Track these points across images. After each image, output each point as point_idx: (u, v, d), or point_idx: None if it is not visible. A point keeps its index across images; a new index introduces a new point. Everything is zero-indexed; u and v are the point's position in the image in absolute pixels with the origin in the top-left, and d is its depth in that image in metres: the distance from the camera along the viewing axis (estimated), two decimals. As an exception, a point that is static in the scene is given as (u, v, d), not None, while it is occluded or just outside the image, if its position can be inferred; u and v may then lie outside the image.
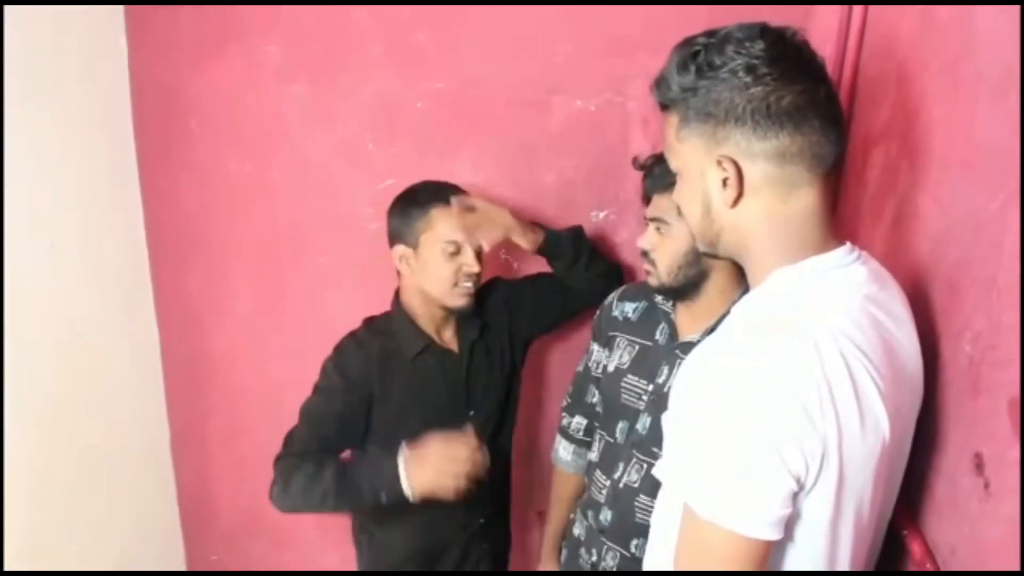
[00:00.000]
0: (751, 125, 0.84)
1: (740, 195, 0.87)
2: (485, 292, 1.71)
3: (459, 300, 1.54)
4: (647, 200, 1.40)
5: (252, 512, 2.28)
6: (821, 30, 1.52)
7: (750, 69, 0.83)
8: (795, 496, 0.80)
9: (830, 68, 1.49)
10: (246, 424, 2.20)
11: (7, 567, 1.68)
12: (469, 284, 1.53)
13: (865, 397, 0.81)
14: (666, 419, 0.91)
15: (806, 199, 0.87)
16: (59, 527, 1.90)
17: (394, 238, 1.57)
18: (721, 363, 0.83)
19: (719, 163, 0.86)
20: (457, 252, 1.52)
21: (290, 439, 1.59)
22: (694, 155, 0.89)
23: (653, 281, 1.39)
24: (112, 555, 2.07)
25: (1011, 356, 0.77)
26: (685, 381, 0.87)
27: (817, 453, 0.78)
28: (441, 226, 1.52)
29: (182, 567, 2.40)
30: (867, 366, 0.81)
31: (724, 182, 0.87)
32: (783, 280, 0.88)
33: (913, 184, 1.12)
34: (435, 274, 1.53)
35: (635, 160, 1.45)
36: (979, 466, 0.82)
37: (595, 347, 1.57)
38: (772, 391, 0.78)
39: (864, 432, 0.81)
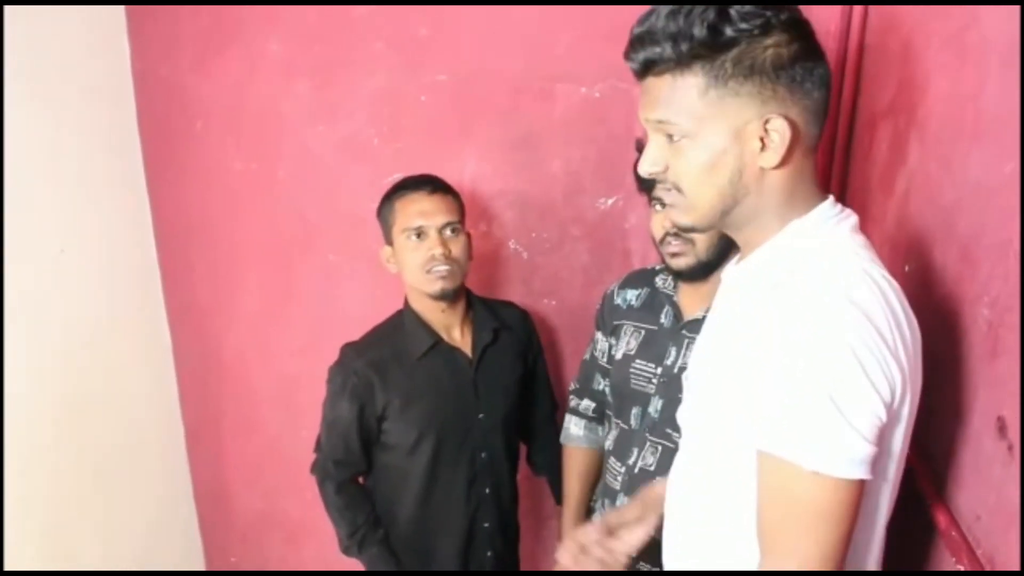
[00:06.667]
0: (797, 81, 0.82)
1: (788, 155, 0.84)
2: (504, 306, 1.74)
3: (434, 284, 1.52)
4: (649, 185, 1.37)
5: (268, 509, 2.28)
6: (825, 7, 1.51)
7: (788, 25, 0.82)
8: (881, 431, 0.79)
9: (834, 44, 1.49)
10: (259, 422, 2.21)
11: (8, 567, 1.69)
12: (443, 268, 1.51)
13: (913, 331, 0.82)
14: (707, 372, 0.92)
15: (813, 157, 0.89)
16: (77, 529, 1.91)
17: (384, 241, 1.60)
18: (788, 306, 0.80)
19: (766, 123, 0.82)
20: (420, 237, 1.51)
21: (319, 445, 1.66)
22: (727, 117, 0.83)
23: (685, 261, 1.35)
24: (133, 555, 2.08)
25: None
26: (738, 331, 0.87)
27: (898, 383, 0.78)
28: (401, 214, 1.53)
29: (201, 565, 2.41)
30: (904, 303, 0.83)
31: (763, 142, 0.83)
32: (805, 229, 0.88)
33: (923, 155, 1.12)
34: (407, 263, 1.54)
35: (639, 142, 1.41)
36: (1002, 429, 0.81)
37: (599, 336, 1.58)
38: (854, 325, 0.77)
39: (917, 365, 0.82)
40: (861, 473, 0.78)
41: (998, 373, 0.83)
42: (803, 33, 0.83)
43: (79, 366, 1.90)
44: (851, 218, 0.91)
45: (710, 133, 0.84)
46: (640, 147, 1.41)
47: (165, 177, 2.08)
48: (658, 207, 1.37)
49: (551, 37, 1.75)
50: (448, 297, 1.56)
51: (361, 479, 1.68)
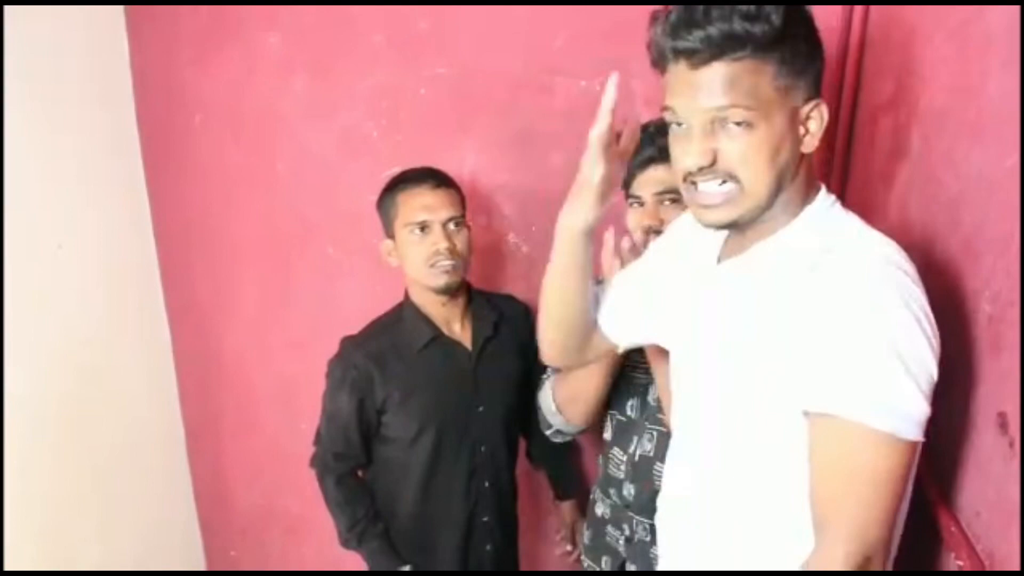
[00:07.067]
0: (822, 68, 0.86)
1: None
2: (504, 299, 1.73)
3: (438, 279, 1.52)
4: (629, 178, 1.34)
5: (268, 506, 2.28)
6: (825, 13, 1.50)
7: (808, 15, 0.85)
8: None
9: (835, 38, 1.48)
10: (259, 419, 2.21)
11: (8, 567, 1.69)
12: (447, 262, 1.50)
13: None
14: (716, 368, 0.92)
15: None
16: (77, 527, 1.91)
17: (384, 234, 1.59)
18: (843, 278, 0.82)
19: (812, 108, 0.85)
20: (424, 231, 1.51)
21: (319, 437, 1.65)
22: (789, 102, 0.84)
23: None
24: (132, 554, 2.09)
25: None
26: (764, 315, 0.87)
27: (939, 346, 0.80)
28: (405, 207, 1.52)
29: (201, 563, 2.41)
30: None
31: (807, 124, 0.85)
32: (819, 214, 0.90)
33: (925, 149, 1.12)
34: (410, 258, 1.53)
35: (646, 125, 1.31)
36: (1002, 425, 0.81)
37: None
38: (910, 291, 0.80)
39: None
40: (919, 434, 0.79)
41: (999, 369, 0.83)
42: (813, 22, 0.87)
43: (78, 364, 1.90)
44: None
45: (775, 119, 0.84)
46: (645, 128, 1.39)
47: (164, 173, 2.07)
48: (635, 205, 1.36)
49: (550, 30, 1.74)
50: (451, 291, 1.56)
51: (361, 472, 1.68)
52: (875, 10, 1.41)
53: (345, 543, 1.63)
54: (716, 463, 0.98)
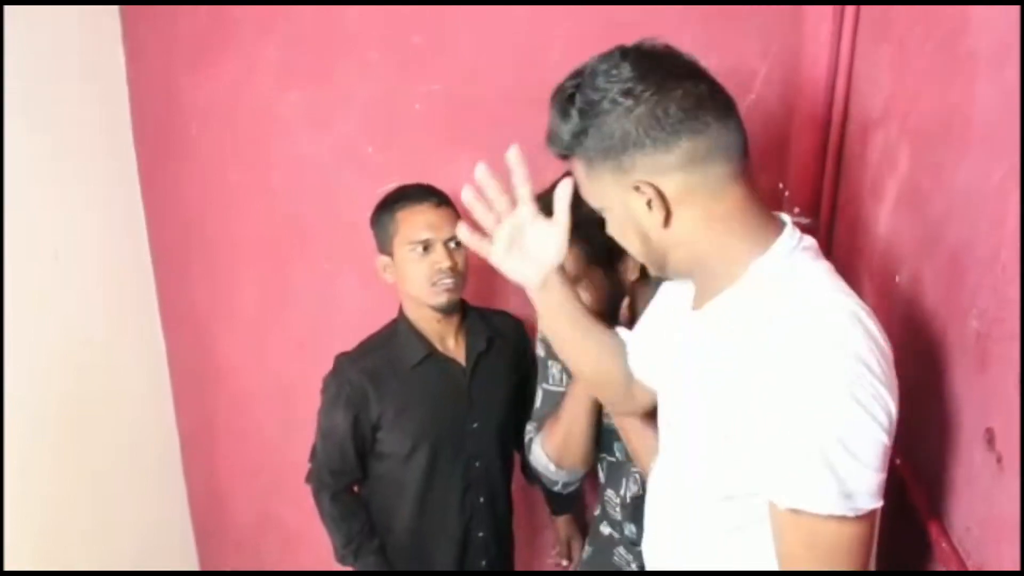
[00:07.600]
0: (650, 143, 0.85)
1: (668, 213, 0.87)
2: (497, 315, 1.73)
3: (440, 297, 1.52)
4: None
5: (264, 513, 2.28)
6: (816, 16, 1.51)
7: (627, 93, 0.84)
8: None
9: (825, 55, 1.49)
10: (254, 427, 2.21)
11: (8, 567, 1.68)
12: (448, 281, 1.51)
13: (889, 347, 0.83)
14: (710, 440, 0.91)
15: (736, 191, 0.88)
16: (71, 535, 1.91)
17: (378, 250, 1.59)
18: (782, 363, 0.80)
19: (637, 189, 0.87)
20: (427, 250, 1.51)
21: (314, 454, 1.65)
22: (610, 191, 0.90)
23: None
24: (126, 561, 2.08)
25: (1018, 329, 0.77)
26: (719, 388, 0.87)
27: (893, 405, 0.79)
28: (406, 226, 1.52)
29: (196, 571, 2.40)
30: (878, 324, 0.84)
31: (649, 205, 0.87)
32: (768, 269, 0.88)
33: (913, 164, 1.12)
34: (411, 276, 1.53)
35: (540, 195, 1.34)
36: (991, 441, 0.81)
37: (551, 362, 1.49)
38: (850, 371, 0.77)
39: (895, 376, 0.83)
40: (879, 501, 0.80)
41: (987, 385, 0.83)
42: (648, 91, 0.85)
43: (73, 371, 1.89)
44: (811, 243, 0.92)
45: (608, 205, 0.93)
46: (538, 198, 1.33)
47: (160, 181, 2.08)
48: None
49: (544, 43, 1.75)
50: (451, 309, 1.57)
51: (357, 488, 1.68)
52: (866, 24, 1.42)
53: (341, 559, 1.63)
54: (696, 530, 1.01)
